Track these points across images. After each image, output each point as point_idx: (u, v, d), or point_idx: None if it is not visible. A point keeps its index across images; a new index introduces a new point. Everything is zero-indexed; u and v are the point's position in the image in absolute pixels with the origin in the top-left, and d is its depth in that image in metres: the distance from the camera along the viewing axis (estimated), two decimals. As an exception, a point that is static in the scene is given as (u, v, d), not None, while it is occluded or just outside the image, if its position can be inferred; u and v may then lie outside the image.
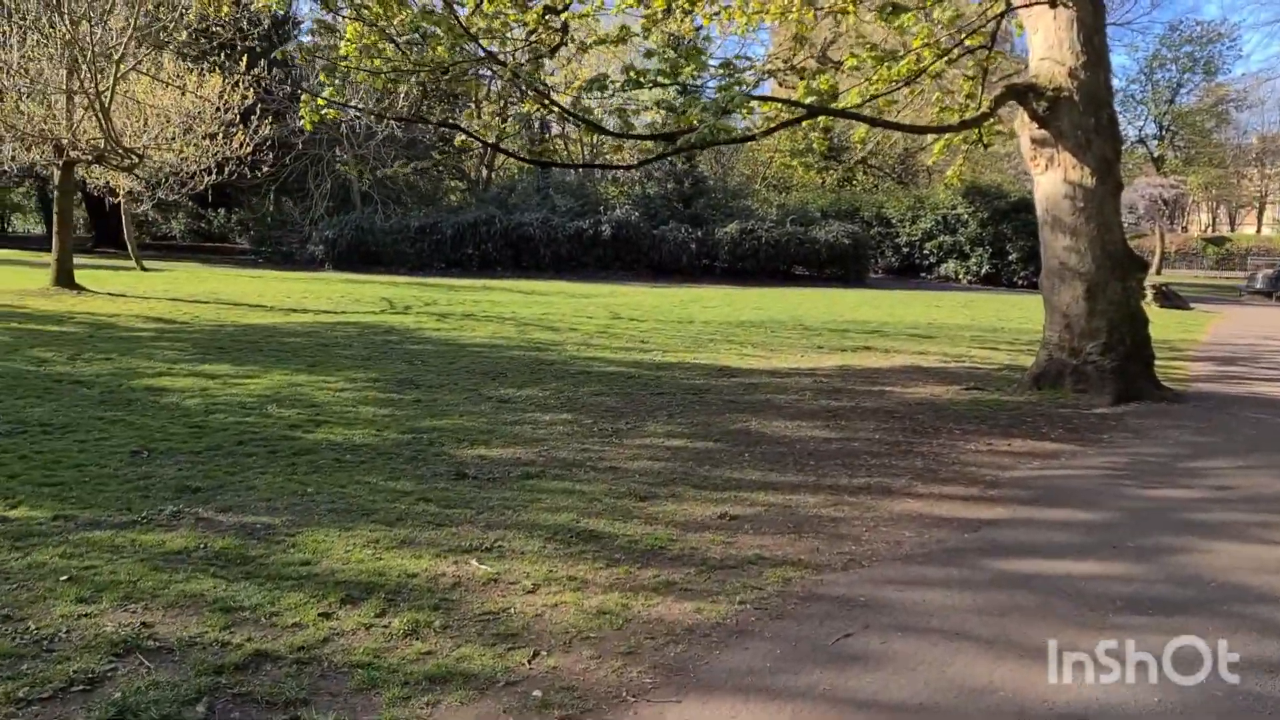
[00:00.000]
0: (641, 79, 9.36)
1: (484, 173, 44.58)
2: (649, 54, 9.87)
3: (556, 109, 10.30)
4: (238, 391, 9.67)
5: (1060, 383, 10.86)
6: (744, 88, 10.23)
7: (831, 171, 45.60)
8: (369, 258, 32.77)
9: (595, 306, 21.41)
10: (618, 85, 9.44)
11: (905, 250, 40.62)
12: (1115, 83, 53.71)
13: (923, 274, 40.16)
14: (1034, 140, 10.89)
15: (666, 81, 9.65)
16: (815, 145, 15.53)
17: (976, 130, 13.84)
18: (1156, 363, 13.83)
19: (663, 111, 15.26)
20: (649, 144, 14.07)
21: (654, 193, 37.04)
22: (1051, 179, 10.86)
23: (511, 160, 45.55)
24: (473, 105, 33.83)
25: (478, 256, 33.56)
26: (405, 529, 5.59)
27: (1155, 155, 55.43)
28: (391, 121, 29.59)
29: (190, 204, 40.58)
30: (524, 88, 9.47)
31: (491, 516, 5.92)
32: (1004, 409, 10.05)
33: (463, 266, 33.30)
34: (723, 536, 5.70)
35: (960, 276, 38.68)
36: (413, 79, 11.70)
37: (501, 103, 34.08)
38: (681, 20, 12.76)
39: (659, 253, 34.54)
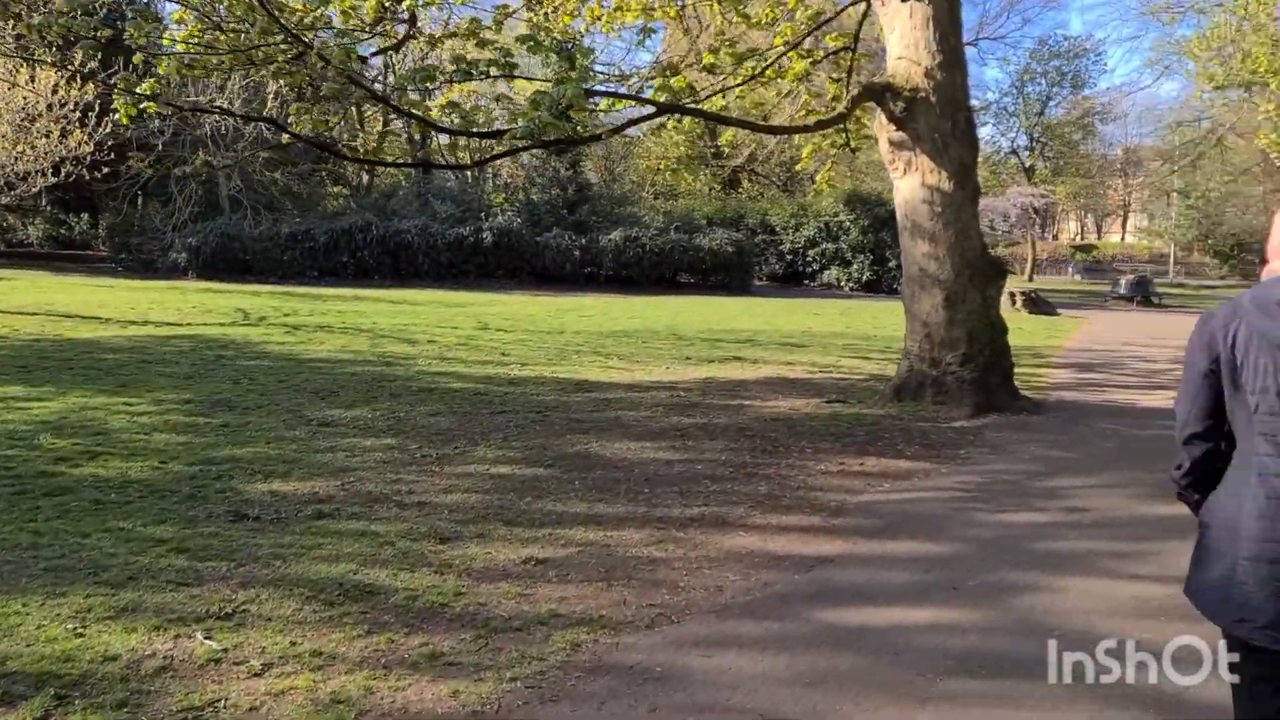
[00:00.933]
0: (472, 70, 8.50)
1: (364, 178, 43.00)
2: (482, 44, 9.00)
3: (380, 101, 9.36)
4: (15, 418, 8.45)
5: (921, 394, 10.38)
6: (592, 85, 9.47)
7: (716, 178, 45.38)
8: (237, 266, 31.01)
9: (465, 316, 20.41)
10: (445, 76, 8.59)
11: (789, 258, 40.49)
12: (989, 96, 54.15)
13: (806, 281, 40.11)
14: (892, 143, 10.40)
15: (498, 73, 8.80)
16: (683, 149, 15.01)
17: (844, 135, 13.41)
18: (1022, 370, 13.56)
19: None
20: (523, 143, 13.22)
21: (538, 199, 36.06)
22: (910, 183, 10.39)
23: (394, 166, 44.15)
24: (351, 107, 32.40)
25: (353, 264, 32.08)
26: (135, 591, 4.62)
27: (1027, 165, 56.79)
28: (261, 123, 28.07)
29: (49, 209, 38.05)
30: (335, 75, 8.48)
31: (253, 570, 4.99)
32: (862, 424, 9.49)
33: (338, 275, 31.79)
34: (520, 587, 4.88)
35: (842, 284, 38.73)
36: (266, 71, 10.60)
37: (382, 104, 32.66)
38: (536, 12, 11.99)
39: (542, 260, 33.60)
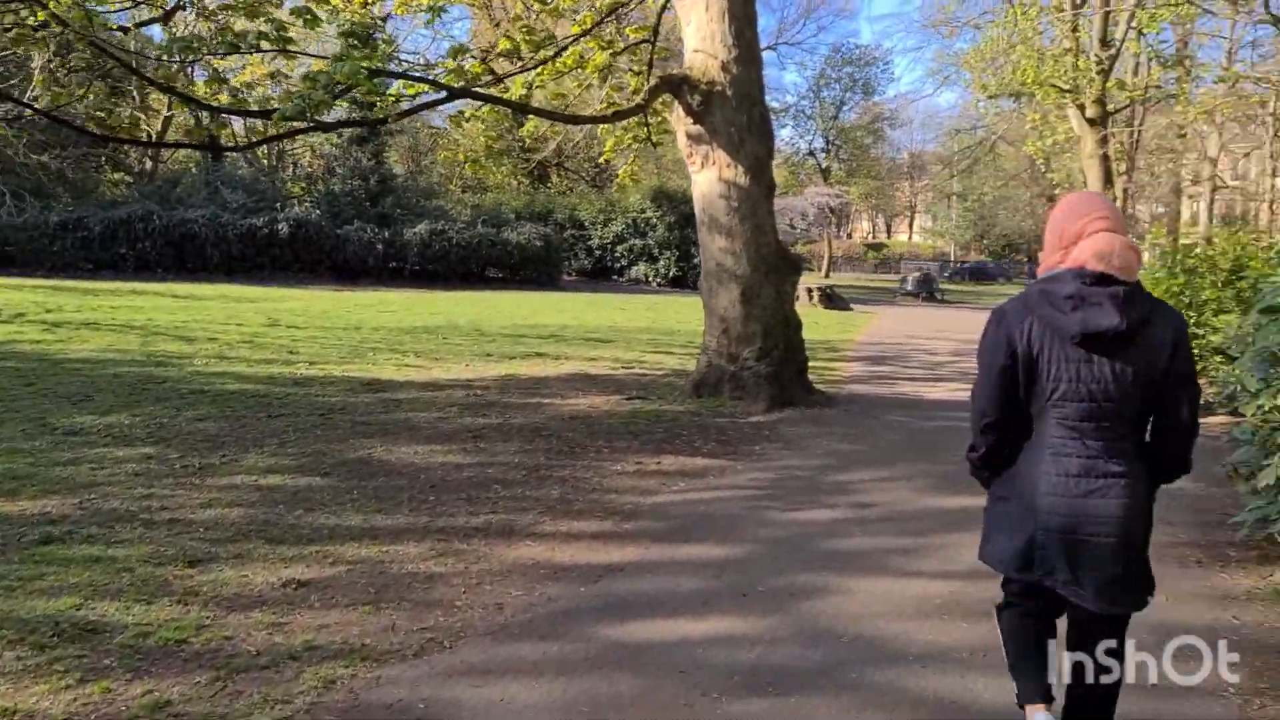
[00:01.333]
0: (240, 43, 7.74)
1: (148, 164, 39.92)
2: (253, 14, 8.23)
3: (133, 73, 8.42)
4: None
5: (719, 390, 10.31)
6: (373, 65, 8.84)
7: (521, 171, 44.80)
8: (-3, 258, 28.12)
9: (254, 312, 19.11)
10: (209, 49, 7.79)
11: (598, 253, 40.43)
12: (789, 99, 56.04)
13: (615, 277, 40.16)
14: (689, 136, 10.27)
15: (270, 48, 8.07)
16: (485, 140, 14.57)
17: (645, 129, 13.25)
18: (817, 364, 13.79)
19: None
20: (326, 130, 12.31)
21: (339, 190, 34.43)
22: (707, 177, 10.29)
23: (181, 152, 41.30)
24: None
25: (133, 257, 29.60)
26: None
27: (823, 167, 59.03)
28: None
29: None
30: (76, 40, 7.54)
31: (-53, 611, 4.22)
32: (661, 421, 9.31)
33: (116, 268, 29.26)
34: (275, 616, 4.34)
35: (650, 279, 39.01)
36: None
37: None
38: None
39: (343, 254, 32.09)
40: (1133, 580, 2.79)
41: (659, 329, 19.57)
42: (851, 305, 30.11)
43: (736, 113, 10.02)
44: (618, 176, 17.13)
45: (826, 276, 55.53)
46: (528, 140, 16.97)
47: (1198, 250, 14.51)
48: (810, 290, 29.25)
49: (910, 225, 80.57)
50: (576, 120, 11.25)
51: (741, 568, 5.14)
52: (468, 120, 14.09)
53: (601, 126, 15.32)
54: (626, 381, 11.86)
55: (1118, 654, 2.91)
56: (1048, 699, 3.00)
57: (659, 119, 12.70)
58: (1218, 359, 11.66)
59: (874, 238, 79.61)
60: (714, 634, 4.24)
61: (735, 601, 4.65)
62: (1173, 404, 2.73)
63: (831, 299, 29.24)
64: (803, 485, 7.03)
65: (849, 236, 78.90)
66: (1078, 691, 2.95)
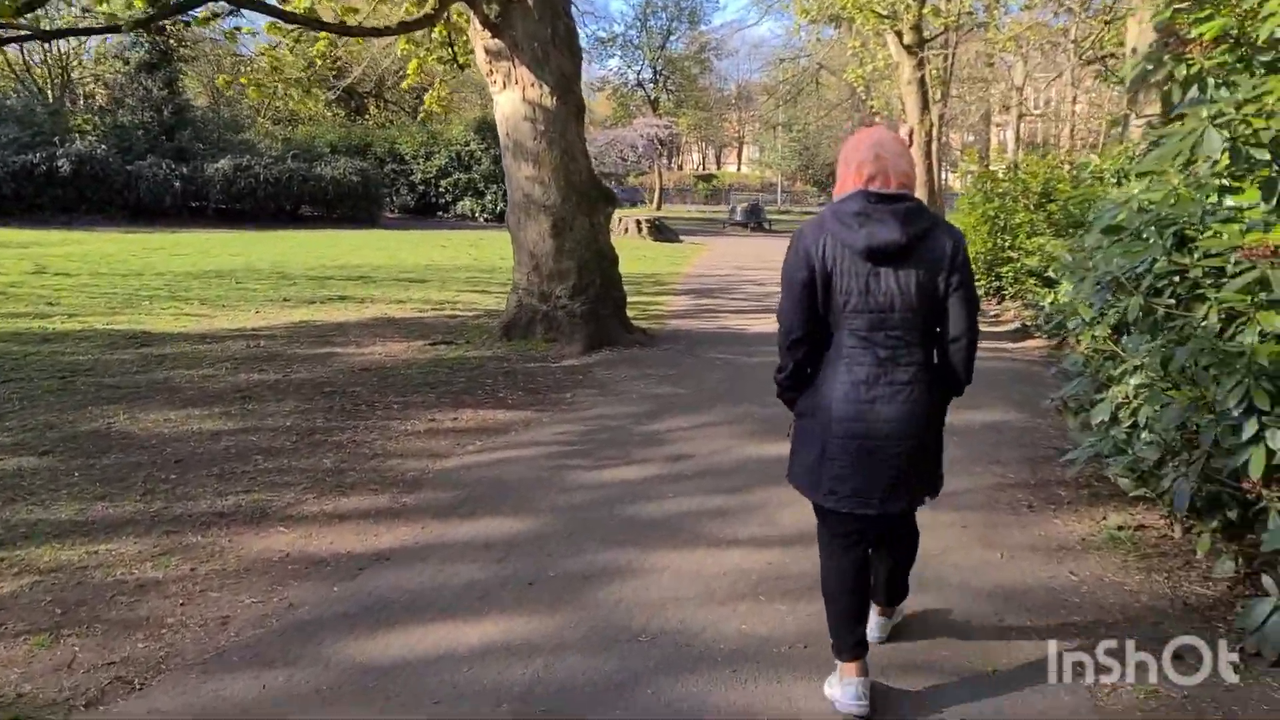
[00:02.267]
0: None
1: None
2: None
3: None
4: None
5: (531, 331, 9.44)
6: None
7: (338, 102, 42.10)
8: None
9: (19, 259, 16.90)
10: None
11: (421, 189, 38.53)
12: (616, 28, 55.09)
13: (440, 213, 38.42)
14: (488, 51, 9.20)
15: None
16: (266, 62, 12.94)
17: (449, 49, 12.06)
18: (642, 299, 13.10)
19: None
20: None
21: (128, 122, 31.26)
22: (510, 98, 9.27)
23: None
24: None
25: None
26: None
27: (652, 98, 58.19)
28: None
29: None
30: None
31: None
32: (465, 368, 8.38)
33: None
34: (-96, 661, 3.26)
35: (476, 215, 37.50)
36: None
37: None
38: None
39: (136, 192, 29.22)
40: (916, 484, 2.97)
41: (480, 267, 18.46)
42: (681, 237, 29.63)
43: (539, 25, 9.01)
44: (425, 104, 15.73)
45: (658, 208, 55.16)
46: (318, 62, 15.30)
47: (1005, 176, 14.52)
48: (639, 222, 28.59)
49: (739, 156, 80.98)
50: (355, 32, 9.96)
51: (532, 547, 4.34)
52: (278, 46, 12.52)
53: (407, 48, 13.95)
54: (434, 325, 10.83)
55: (908, 527, 3.26)
56: (859, 654, 3.03)
57: (464, 38, 11.55)
58: (1032, 281, 11.61)
59: (704, 169, 79.65)
60: (488, 643, 3.43)
61: (519, 594, 3.85)
62: (954, 312, 2.86)
63: (661, 231, 28.67)
64: (614, 437, 6.28)
65: (679, 168, 78.74)
66: (877, 564, 3.23)
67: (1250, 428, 3.13)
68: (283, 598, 3.83)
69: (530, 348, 9.20)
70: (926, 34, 24.69)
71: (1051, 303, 9.74)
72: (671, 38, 56.65)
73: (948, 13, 24.26)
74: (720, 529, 4.56)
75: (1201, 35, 4.22)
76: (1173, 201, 3.49)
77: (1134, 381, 4.24)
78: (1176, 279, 3.41)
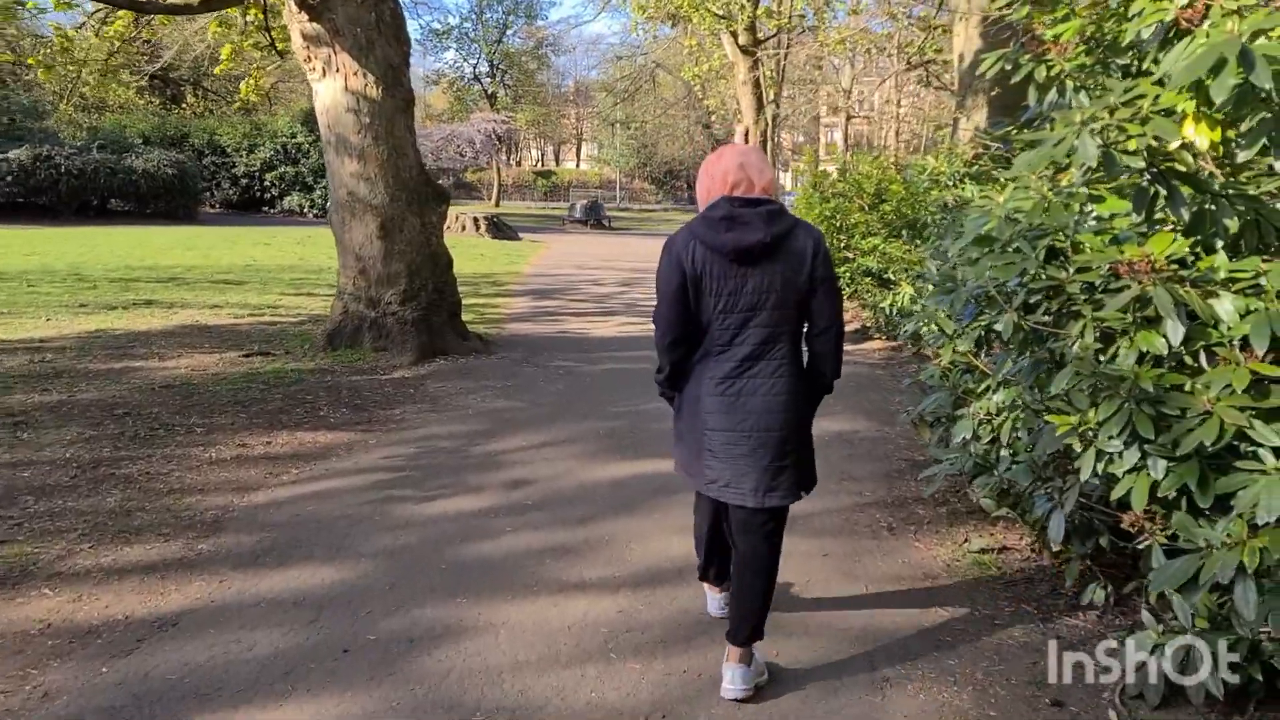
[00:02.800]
0: None
1: None
2: None
3: None
4: None
5: (358, 340, 8.72)
6: None
7: (150, 90, 39.32)
8: None
9: None
10: None
11: (244, 182, 36.33)
12: (451, 20, 53.78)
13: (265, 208, 36.34)
14: (305, 36, 8.41)
15: None
16: (56, 41, 11.63)
17: (267, 33, 11.13)
18: (479, 302, 12.49)
19: None
20: None
21: (-97, 107, 28.18)
22: (332, 88, 8.51)
23: None
24: None
25: None
26: None
27: (489, 93, 57.14)
28: None
29: None
30: None
31: None
32: (283, 382, 7.61)
33: None
34: None
35: (305, 210, 35.65)
36: None
37: None
38: None
39: (-90, 183, 26.36)
40: (787, 475, 3.04)
41: (306, 267, 17.33)
42: (520, 235, 28.99)
43: (362, 9, 8.29)
44: (240, 91, 14.59)
45: (496, 205, 54.26)
46: (117, 43, 13.95)
47: (834, 177, 14.63)
48: (478, 220, 27.79)
49: (578, 153, 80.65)
50: (152, 9, 8.96)
51: (350, 603, 3.76)
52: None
53: (219, 31, 12.84)
54: (250, 333, 9.91)
55: (774, 538, 3.14)
56: (719, 581, 3.57)
57: (281, 22, 10.64)
58: (868, 281, 11.67)
59: (543, 165, 78.91)
60: (290, 736, 2.86)
61: (332, 666, 3.27)
62: (818, 306, 3.02)
63: (499, 228, 27.95)
64: (446, 461, 5.72)
65: (518, 164, 77.75)
66: (735, 573, 3.19)
67: (1131, 456, 2.90)
68: (37, 684, 3.13)
69: (357, 358, 8.48)
70: (760, 35, 24.93)
71: (891, 305, 9.75)
72: (508, 32, 55.86)
73: (780, 14, 24.56)
74: (564, 570, 4.10)
75: (1057, 37, 4.04)
76: (1044, 210, 3.26)
77: (997, 398, 4.03)
78: (1049, 294, 3.17)
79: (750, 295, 2.95)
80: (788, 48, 29.33)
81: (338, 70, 8.42)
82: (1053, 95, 3.98)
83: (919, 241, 9.54)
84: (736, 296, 2.95)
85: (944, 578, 4.05)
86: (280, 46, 11.75)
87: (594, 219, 40.05)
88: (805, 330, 3.11)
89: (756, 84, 25.12)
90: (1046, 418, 3.11)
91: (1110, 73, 3.91)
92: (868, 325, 10.86)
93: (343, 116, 8.48)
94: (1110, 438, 2.92)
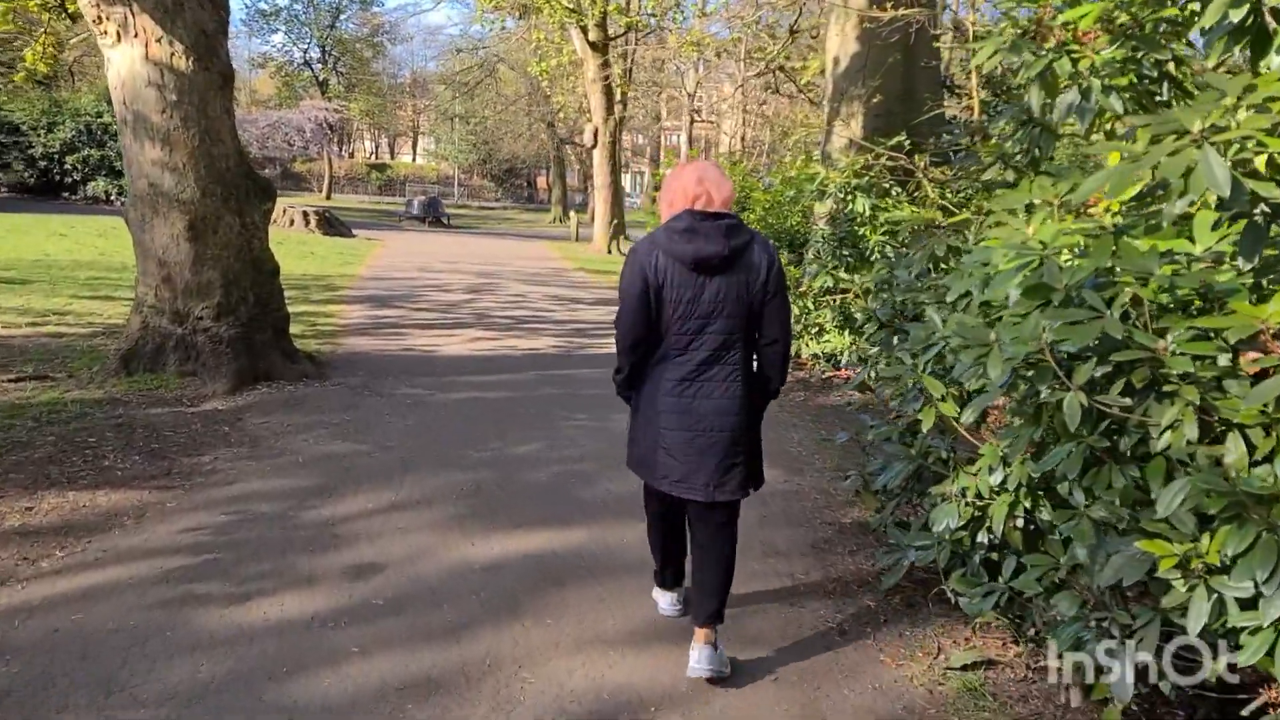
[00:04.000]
0: None
1: None
2: None
3: None
4: None
5: (161, 363, 7.21)
6: None
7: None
8: None
9: None
10: None
11: (42, 165, 32.58)
12: (279, 1, 50.30)
13: (66, 194, 32.70)
14: (94, -6, 6.85)
15: None
16: None
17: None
18: (309, 310, 11.02)
19: None
20: None
21: None
22: (129, 57, 6.97)
23: None
24: None
25: None
26: None
27: (320, 79, 54.02)
28: None
29: None
30: None
31: None
32: (60, 419, 6.07)
33: None
34: None
35: (112, 197, 32.27)
36: None
37: None
38: None
39: None
40: (737, 472, 3.22)
41: (107, 263, 15.16)
42: (354, 231, 27.03)
43: (167, -37, 6.80)
44: (24, 59, 12.49)
45: (328, 198, 51.48)
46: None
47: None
48: (308, 214, 25.69)
49: (414, 146, 77.74)
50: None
51: (118, 803, 2.52)
52: None
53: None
54: (26, 349, 8.15)
55: (728, 528, 3.34)
56: (673, 585, 3.74)
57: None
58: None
59: (377, 158, 75.64)
60: None
61: None
62: (769, 318, 3.20)
63: (332, 224, 25.94)
64: (269, 535, 4.43)
65: (351, 156, 74.32)
66: (695, 562, 3.36)
67: (1275, 609, 2.04)
68: None
69: (159, 385, 6.97)
70: (612, 32, 24.04)
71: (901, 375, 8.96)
72: (342, 16, 52.91)
73: (631, 12, 23.72)
74: (421, 713, 2.96)
75: (1070, 24, 3.21)
76: (1110, 251, 2.39)
77: (993, 479, 3.16)
78: (1130, 367, 2.30)
79: (707, 303, 3.11)
80: (635, 46, 28.58)
81: (136, 35, 6.88)
82: (1070, 97, 3.13)
83: (812, 264, 8.79)
84: (694, 304, 3.12)
85: (930, 711, 3.14)
86: (70, 7, 9.94)
87: (432, 216, 38.23)
88: (756, 338, 3.25)
89: (607, 82, 24.20)
90: (1140, 544, 2.22)
91: (1146, 69, 3.10)
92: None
93: (142, 92, 6.95)
94: (1236, 580, 2.07)
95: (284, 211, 25.93)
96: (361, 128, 72.12)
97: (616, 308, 3.26)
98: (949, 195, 7.94)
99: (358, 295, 13.38)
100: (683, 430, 3.18)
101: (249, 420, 6.36)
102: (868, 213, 7.97)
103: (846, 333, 8.32)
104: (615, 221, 25.78)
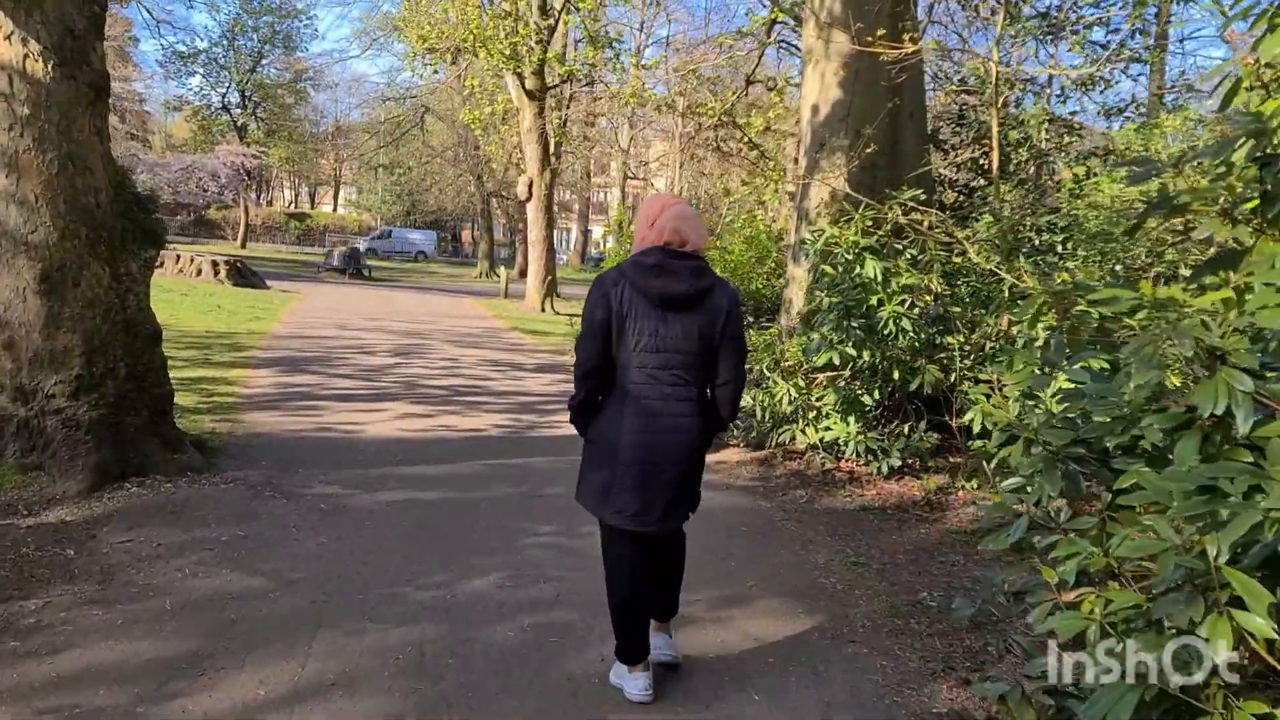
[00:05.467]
0: None
1: None
2: None
3: None
4: None
5: (-4, 452, 5.53)
6: None
7: None
8: None
9: None
10: None
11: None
12: (199, 43, 48.22)
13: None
14: (-79, -25, 5.25)
15: None
16: None
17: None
18: (207, 377, 9.35)
19: None
20: None
21: None
22: (-33, 60, 5.38)
23: None
24: None
25: None
26: None
27: (239, 124, 51.92)
28: None
29: None
30: None
31: None
32: None
33: None
34: None
35: None
36: None
37: None
38: None
39: None
40: (684, 503, 3.39)
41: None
42: (269, 282, 25.10)
43: (23, -60, 5.27)
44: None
45: (242, 247, 49.22)
46: None
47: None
48: (217, 263, 23.71)
49: (335, 196, 75.48)
50: None
51: None
52: None
53: None
54: None
55: (680, 544, 3.58)
56: (643, 657, 3.44)
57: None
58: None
59: (297, 207, 73.16)
60: None
61: None
62: (724, 358, 3.30)
63: (243, 274, 23.99)
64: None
65: (270, 204, 71.80)
66: (660, 591, 3.56)
67: None
68: None
69: (-12, 484, 5.29)
70: (550, 80, 22.89)
71: (768, 404, 7.61)
72: (264, 61, 51.02)
73: (572, 60, 22.63)
74: None
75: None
76: None
77: None
78: None
79: (670, 340, 3.21)
80: (571, 97, 27.51)
81: (-21, 32, 5.31)
82: None
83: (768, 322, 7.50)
84: (656, 338, 3.20)
85: None
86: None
87: (353, 267, 36.35)
88: (711, 376, 3.35)
89: (543, 133, 22.98)
90: None
91: None
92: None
93: (-15, 104, 5.36)
94: None
95: (191, 261, 23.92)
96: (281, 175, 69.87)
97: (565, 375, 2.52)
98: (970, 255, 6.79)
99: (267, 357, 11.66)
100: (640, 465, 3.24)
101: (106, 538, 4.71)
102: (878, 278, 6.72)
103: (852, 419, 7.03)
104: (549, 278, 24.38)
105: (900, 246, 7.07)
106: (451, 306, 24.42)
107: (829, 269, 7.01)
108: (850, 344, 6.79)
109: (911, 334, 6.67)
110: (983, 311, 6.85)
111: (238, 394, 8.96)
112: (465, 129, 41.53)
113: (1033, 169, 9.65)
